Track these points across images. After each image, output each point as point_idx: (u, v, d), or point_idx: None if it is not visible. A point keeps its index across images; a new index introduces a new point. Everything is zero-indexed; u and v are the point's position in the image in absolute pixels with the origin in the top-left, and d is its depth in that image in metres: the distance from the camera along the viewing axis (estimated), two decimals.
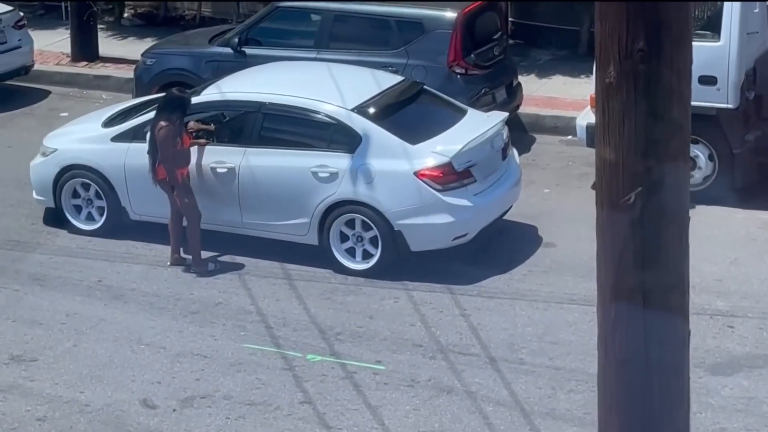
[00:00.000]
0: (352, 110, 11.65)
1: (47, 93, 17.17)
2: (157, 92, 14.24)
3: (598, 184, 4.86)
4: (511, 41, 16.73)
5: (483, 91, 14.16)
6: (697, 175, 12.79)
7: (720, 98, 12.53)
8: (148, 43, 17.64)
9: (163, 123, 11.44)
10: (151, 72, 15.16)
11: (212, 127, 12.03)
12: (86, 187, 12.50)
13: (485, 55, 14.42)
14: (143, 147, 11.90)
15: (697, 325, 9.40)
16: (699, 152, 12.78)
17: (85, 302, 11.19)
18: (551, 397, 9.52)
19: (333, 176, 11.47)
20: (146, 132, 11.87)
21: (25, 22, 17.47)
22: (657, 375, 4.89)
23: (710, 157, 12.86)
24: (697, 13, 12.73)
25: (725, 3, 12.45)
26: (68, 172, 12.50)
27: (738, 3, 12.42)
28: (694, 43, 4.80)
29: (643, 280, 4.78)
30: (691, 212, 4.95)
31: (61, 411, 9.54)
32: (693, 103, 4.85)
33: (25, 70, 17.14)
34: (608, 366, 4.97)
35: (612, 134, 4.72)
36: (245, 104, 12.05)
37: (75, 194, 12.57)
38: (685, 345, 4.97)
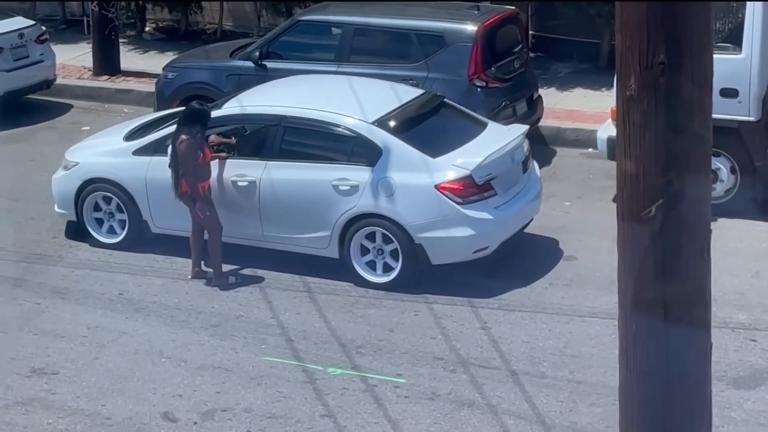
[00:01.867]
0: (373, 123, 11.66)
1: (69, 107, 17.26)
2: (178, 106, 14.28)
3: (618, 196, 4.85)
4: (531, 54, 16.73)
5: (503, 104, 14.15)
6: (718, 188, 12.76)
7: (741, 111, 12.50)
8: (169, 56, 17.72)
9: (184, 137, 11.47)
10: (172, 85, 15.21)
11: (233, 140, 12.07)
12: (108, 200, 12.54)
13: (506, 68, 14.42)
14: (164, 160, 11.94)
15: (719, 338, 9.38)
16: (721, 165, 12.75)
17: (106, 315, 11.22)
18: (572, 411, 9.49)
19: (353, 189, 11.48)
20: (168, 146, 11.91)
21: (48, 36, 17.59)
22: (679, 388, 4.87)
23: (732, 170, 12.82)
24: (718, 25, 12.71)
25: (747, 16, 12.42)
26: (90, 185, 12.55)
27: (760, 15, 12.39)
28: (715, 56, 4.79)
29: (664, 293, 4.76)
30: (713, 225, 4.93)
31: (82, 424, 9.56)
32: (714, 116, 4.83)
33: (47, 84, 17.24)
34: (629, 379, 4.96)
35: (633, 147, 4.71)
36: (266, 118, 12.07)
37: (97, 207, 12.61)
38: (706, 358, 4.95)
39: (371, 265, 11.60)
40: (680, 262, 4.75)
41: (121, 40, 18.58)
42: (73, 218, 12.70)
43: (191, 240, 11.76)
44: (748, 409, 9.43)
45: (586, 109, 15.72)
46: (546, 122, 15.20)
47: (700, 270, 4.81)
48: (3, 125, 16.02)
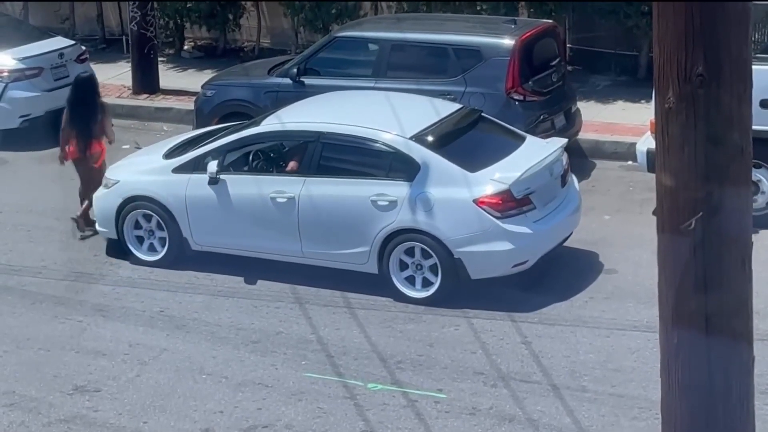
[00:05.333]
0: (411, 139, 11.67)
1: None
2: (217, 123, 14.36)
3: (658, 209, 4.83)
4: (569, 67, 16.70)
5: (541, 117, 14.13)
6: (760, 200, 12.67)
7: None
8: (207, 74, 17.81)
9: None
10: (211, 103, 15.28)
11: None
12: (148, 218, 12.61)
13: (543, 81, 14.39)
14: (204, 178, 12.04)
15: (762, 351, 9.28)
16: (762, 176, 12.66)
17: (147, 332, 11.27)
18: (614, 425, 9.44)
19: (392, 204, 11.48)
20: (206, 163, 12.05)
21: (87, 56, 17.73)
22: (721, 402, 4.84)
23: None
24: (757, 36, 12.64)
25: None
26: (130, 203, 12.63)
27: None
28: (754, 67, 4.77)
29: (705, 306, 4.73)
30: (754, 237, 4.90)
31: None
32: (755, 127, 4.81)
33: None
34: (671, 393, 4.93)
35: (672, 159, 4.69)
36: (304, 134, 12.11)
37: (137, 225, 12.68)
38: (749, 371, 4.91)
39: (410, 280, 11.59)
40: (721, 275, 4.72)
41: (159, 59, 18.70)
42: (114, 236, 12.77)
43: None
44: None
45: (624, 121, 15.66)
46: (584, 135, 15.15)
47: (741, 282, 4.78)
48: (44, 144, 16.14)
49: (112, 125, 13.91)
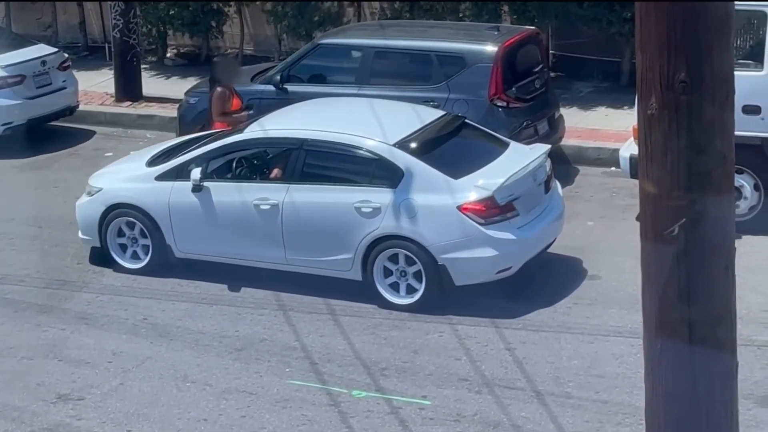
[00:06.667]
0: (394, 145, 11.67)
1: (92, 133, 17.34)
2: (200, 131, 14.34)
3: (641, 216, 4.84)
4: (552, 74, 16.73)
5: (525, 124, 14.14)
6: (742, 205, 12.71)
7: (764, 127, 12.46)
8: (190, 82, 17.79)
9: None
10: (194, 110, 15.26)
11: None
12: (131, 225, 12.58)
13: (526, 88, 14.41)
14: (188, 185, 12.03)
15: (745, 356, 9.30)
16: (744, 182, 12.70)
17: (131, 340, 11.24)
18: (598, 431, 9.45)
19: (376, 211, 11.48)
20: (190, 170, 12.03)
21: (70, 63, 17.69)
22: (705, 408, 4.85)
23: (756, 187, 12.77)
24: (739, 42, 12.68)
25: (767, 33, 12.39)
26: (114, 211, 12.59)
27: None
28: (736, 73, 4.78)
29: (689, 313, 4.74)
30: (738, 243, 4.91)
31: None
32: (737, 133, 4.82)
33: (69, 111, 17.33)
34: (655, 399, 4.93)
35: (654, 166, 4.70)
36: (288, 141, 12.10)
37: (120, 233, 12.65)
38: (733, 377, 4.92)
39: (394, 287, 11.59)
40: (705, 281, 4.73)
41: (142, 66, 18.67)
42: (97, 244, 12.74)
43: None
44: None
45: (607, 127, 15.70)
46: (568, 141, 15.18)
47: (724, 288, 4.79)
48: (27, 152, 16.11)
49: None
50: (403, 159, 11.57)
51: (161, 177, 12.43)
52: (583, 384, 10.08)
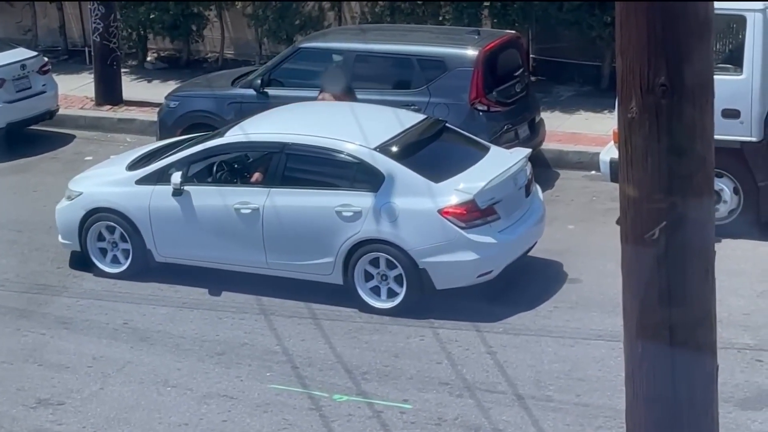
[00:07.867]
0: (375, 149, 11.67)
1: (72, 137, 17.29)
2: (180, 134, 14.32)
3: (622, 220, 4.85)
4: (533, 78, 16.76)
5: (505, 127, 14.16)
6: (722, 209, 12.75)
7: (744, 131, 12.51)
8: (171, 85, 17.76)
9: None
10: (174, 114, 15.24)
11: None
12: (111, 230, 12.54)
13: (507, 91, 14.43)
14: (168, 189, 12.00)
15: (725, 359, 9.35)
16: (724, 186, 12.74)
17: (111, 345, 11.20)
18: None
19: (357, 215, 11.48)
20: (170, 174, 12.00)
21: (50, 67, 17.64)
22: (685, 411, 4.86)
23: (735, 191, 12.81)
24: (718, 46, 12.73)
25: (747, 37, 12.44)
26: (93, 215, 12.56)
27: (760, 36, 12.41)
28: (716, 77, 4.79)
29: (669, 316, 4.75)
30: (717, 246, 4.93)
31: None
32: (717, 137, 4.83)
33: (49, 115, 17.28)
34: (636, 402, 4.94)
35: (635, 169, 4.71)
36: (268, 145, 12.09)
37: (100, 237, 12.61)
38: (713, 380, 4.93)
39: (375, 291, 11.59)
40: (685, 284, 4.74)
41: (123, 70, 18.63)
42: (77, 248, 12.70)
43: None
44: (756, 430, 9.40)
45: (588, 131, 15.73)
46: (548, 145, 15.21)
47: (704, 292, 4.81)
48: (6, 156, 16.05)
49: None
50: (383, 163, 11.57)
51: (141, 181, 12.40)
52: (564, 387, 10.10)
